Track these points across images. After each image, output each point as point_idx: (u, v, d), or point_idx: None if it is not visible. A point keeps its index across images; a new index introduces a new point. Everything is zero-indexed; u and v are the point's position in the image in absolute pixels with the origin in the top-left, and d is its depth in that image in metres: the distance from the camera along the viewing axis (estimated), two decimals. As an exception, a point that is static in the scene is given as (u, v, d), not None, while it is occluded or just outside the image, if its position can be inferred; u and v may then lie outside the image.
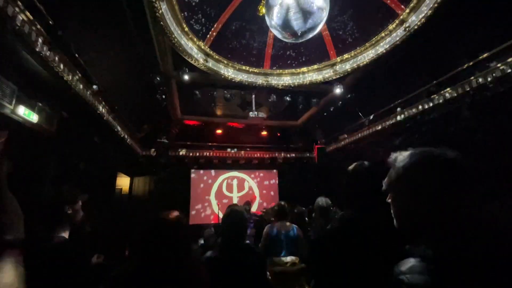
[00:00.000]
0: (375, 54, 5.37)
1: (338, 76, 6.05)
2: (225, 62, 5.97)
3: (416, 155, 0.76)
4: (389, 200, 0.83)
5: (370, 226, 1.21)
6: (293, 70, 6.41)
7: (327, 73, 6.14)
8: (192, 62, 5.40)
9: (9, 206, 0.55)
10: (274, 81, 6.43)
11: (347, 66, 5.87)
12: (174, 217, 1.21)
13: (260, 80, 6.34)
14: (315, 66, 6.25)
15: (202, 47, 5.50)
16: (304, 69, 6.34)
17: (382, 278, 0.74)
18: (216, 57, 5.81)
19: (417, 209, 0.73)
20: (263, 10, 4.89)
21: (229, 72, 6.05)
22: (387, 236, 1.15)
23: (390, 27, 4.99)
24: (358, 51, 5.65)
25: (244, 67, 6.20)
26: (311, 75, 6.31)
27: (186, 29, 4.95)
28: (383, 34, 5.15)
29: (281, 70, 6.44)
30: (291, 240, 2.99)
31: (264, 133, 9.25)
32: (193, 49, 5.35)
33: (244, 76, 6.23)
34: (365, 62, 5.57)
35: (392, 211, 0.81)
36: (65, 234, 1.36)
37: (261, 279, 1.64)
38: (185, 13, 4.90)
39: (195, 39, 5.27)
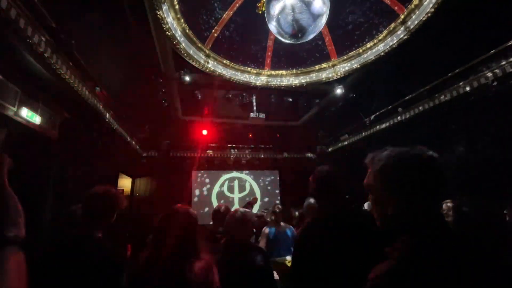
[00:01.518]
0: (377, 54, 5.38)
1: (338, 77, 6.05)
2: (225, 63, 5.99)
3: (392, 157, 0.76)
4: (370, 202, 0.82)
5: (337, 228, 1.25)
6: (296, 70, 6.42)
7: (328, 73, 6.15)
8: (193, 63, 5.42)
9: (9, 203, 0.55)
10: (275, 81, 6.45)
11: (348, 67, 5.88)
12: (186, 209, 1.31)
13: (261, 81, 6.36)
14: (317, 66, 6.26)
15: (203, 48, 5.52)
16: (306, 69, 6.36)
17: (358, 280, 0.73)
18: (217, 58, 5.83)
19: (394, 211, 0.73)
20: (263, 8, 4.91)
21: (229, 72, 6.07)
22: (361, 237, 1.18)
23: (391, 27, 5.00)
24: (359, 51, 5.66)
25: (244, 68, 6.22)
26: (312, 75, 6.32)
27: (187, 31, 4.98)
28: (384, 35, 5.16)
29: (282, 71, 6.45)
30: (289, 240, 3.07)
31: (265, 133, 9.25)
32: (194, 50, 5.37)
33: (245, 77, 6.25)
34: (366, 63, 5.58)
35: (374, 212, 0.81)
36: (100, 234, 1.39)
37: (267, 279, 1.63)
38: (186, 15, 4.93)
39: (195, 41, 5.30)
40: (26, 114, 3.00)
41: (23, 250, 0.53)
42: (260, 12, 5.23)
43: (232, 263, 1.56)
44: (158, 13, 4.00)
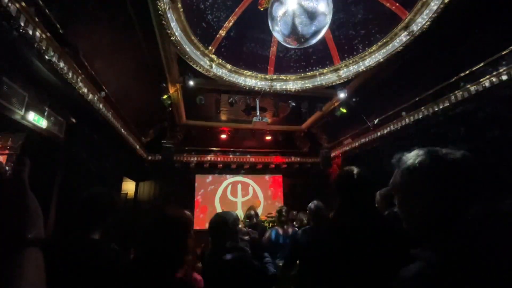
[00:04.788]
0: (380, 58, 5.38)
1: (342, 81, 6.06)
2: (229, 67, 6.03)
3: (421, 156, 0.73)
4: (396, 203, 0.80)
5: (357, 232, 1.18)
6: (299, 75, 6.44)
7: (331, 78, 6.16)
8: (197, 68, 5.47)
9: (30, 205, 0.56)
10: (278, 86, 6.47)
11: (351, 71, 5.88)
12: (176, 214, 1.27)
13: (264, 86, 6.38)
14: (320, 71, 6.28)
15: (207, 53, 5.58)
16: (309, 73, 6.37)
17: (383, 284, 0.71)
18: (221, 62, 5.88)
19: (423, 213, 0.70)
20: (266, 4, 4.89)
21: (233, 77, 6.11)
22: (382, 241, 1.13)
23: (394, 31, 5.00)
24: (363, 55, 5.66)
25: (248, 73, 6.26)
26: (315, 80, 6.34)
27: (191, 36, 5.04)
28: (387, 39, 5.16)
29: (285, 76, 6.48)
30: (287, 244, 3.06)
31: (268, 137, 9.27)
32: (198, 55, 5.43)
33: (248, 82, 6.29)
34: (369, 67, 5.58)
35: (399, 213, 0.79)
36: (97, 236, 1.39)
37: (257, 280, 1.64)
38: (191, 19, 4.99)
39: (199, 46, 5.35)
40: (33, 118, 3.05)
41: (42, 251, 0.54)
42: (262, 9, 5.21)
43: (213, 265, 1.63)
44: (163, 18, 4.06)
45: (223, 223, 1.74)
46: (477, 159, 0.69)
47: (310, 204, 2.79)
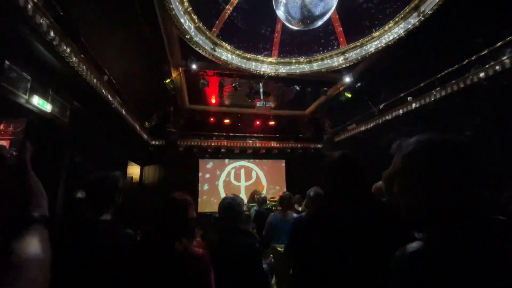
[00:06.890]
0: (387, 42, 5.21)
1: (348, 65, 5.92)
2: (233, 51, 5.91)
3: (421, 142, 0.72)
4: (396, 190, 0.79)
5: (345, 216, 1.19)
6: (303, 58, 6.30)
7: (337, 61, 6.02)
8: (200, 51, 5.37)
9: (33, 186, 0.59)
10: (282, 70, 6.36)
11: (357, 54, 5.74)
12: (182, 198, 1.34)
13: (268, 69, 6.28)
14: (325, 54, 6.13)
15: (210, 36, 5.45)
16: (314, 57, 6.23)
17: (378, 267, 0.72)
18: (224, 45, 5.76)
19: (423, 199, 0.70)
20: None
21: (236, 60, 6.00)
22: (374, 225, 1.13)
23: (404, 12, 4.81)
24: (369, 38, 5.49)
25: (251, 56, 6.14)
26: (320, 63, 6.20)
27: (194, 17, 4.91)
28: (396, 20, 4.98)
29: (289, 59, 6.34)
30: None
31: (272, 122, 9.23)
32: (201, 37, 5.31)
33: (251, 65, 6.18)
34: (375, 50, 5.42)
35: (399, 200, 0.78)
36: (109, 217, 1.43)
37: (256, 263, 1.73)
38: (193, 2, 4.85)
39: (202, 28, 5.22)
40: (37, 102, 3.06)
41: (47, 229, 0.57)
42: None
43: (223, 245, 1.71)
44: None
45: (234, 205, 1.80)
46: (480, 146, 0.69)
47: (309, 190, 2.81)
